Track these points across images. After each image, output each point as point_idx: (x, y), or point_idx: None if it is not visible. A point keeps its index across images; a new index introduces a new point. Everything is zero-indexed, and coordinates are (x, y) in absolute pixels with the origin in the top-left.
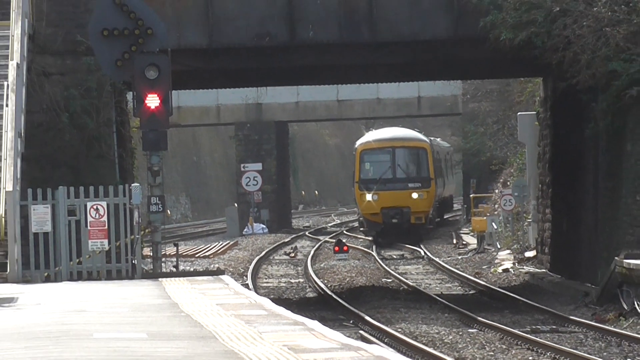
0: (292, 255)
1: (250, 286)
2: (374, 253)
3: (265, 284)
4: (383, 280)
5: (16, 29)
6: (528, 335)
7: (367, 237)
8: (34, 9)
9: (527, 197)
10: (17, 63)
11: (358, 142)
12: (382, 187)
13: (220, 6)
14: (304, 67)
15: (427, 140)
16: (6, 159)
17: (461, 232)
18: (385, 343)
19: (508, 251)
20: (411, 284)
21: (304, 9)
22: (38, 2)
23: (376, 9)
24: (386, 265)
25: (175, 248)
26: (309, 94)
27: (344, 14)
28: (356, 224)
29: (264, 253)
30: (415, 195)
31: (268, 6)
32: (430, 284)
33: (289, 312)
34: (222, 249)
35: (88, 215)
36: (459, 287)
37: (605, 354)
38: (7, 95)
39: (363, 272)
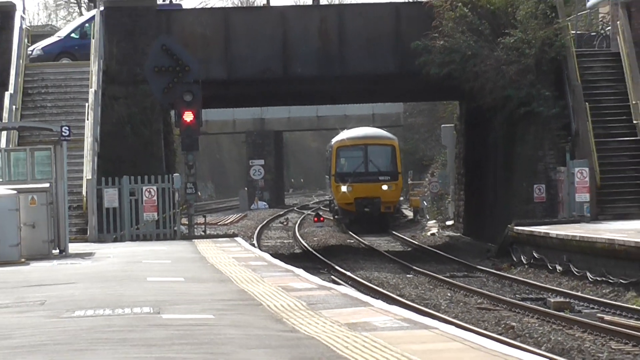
0: (285, 223)
1: (256, 245)
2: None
3: (266, 243)
4: (347, 241)
5: (94, 66)
6: (448, 279)
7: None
8: (106, 52)
9: (447, 183)
10: (94, 90)
11: (334, 140)
12: (356, 180)
13: (235, 50)
14: (294, 92)
15: (395, 139)
16: (87, 157)
17: (402, 207)
18: (349, 284)
19: (434, 221)
20: (367, 243)
21: (294, 52)
22: (109, 47)
23: (344, 52)
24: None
25: (204, 218)
26: (297, 112)
27: (322, 56)
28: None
29: (265, 222)
30: (385, 187)
31: (269, 50)
32: (380, 244)
33: (282, 263)
34: (236, 219)
35: (143, 195)
36: (400, 246)
37: (500, 291)
38: (88, 112)
39: (334, 235)
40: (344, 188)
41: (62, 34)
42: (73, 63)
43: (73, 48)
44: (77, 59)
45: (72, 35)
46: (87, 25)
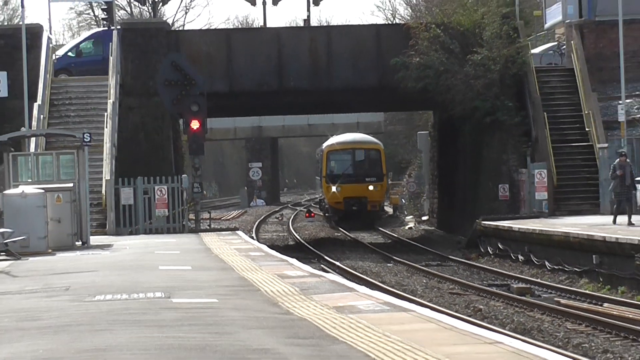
0: (280, 218)
1: (254, 237)
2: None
3: (263, 236)
4: (335, 234)
5: (112, 80)
6: (423, 267)
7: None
8: (123, 68)
9: (423, 183)
10: (112, 101)
11: (324, 145)
12: (345, 181)
13: (236, 66)
14: (288, 103)
15: (380, 144)
16: (105, 160)
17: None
18: (337, 272)
19: (411, 216)
20: (352, 236)
21: (287, 67)
22: (125, 63)
23: (332, 68)
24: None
25: (209, 214)
26: (290, 120)
27: (312, 71)
28: (318, 197)
29: (262, 217)
30: (371, 187)
31: (265, 66)
32: (364, 237)
33: (278, 253)
34: (237, 215)
35: (155, 194)
36: (382, 239)
37: (470, 278)
38: (106, 121)
39: (323, 229)
40: (333, 188)
41: (60, 53)
42: (94, 77)
43: (70, 65)
44: (73, 75)
45: (69, 54)
46: (82, 44)
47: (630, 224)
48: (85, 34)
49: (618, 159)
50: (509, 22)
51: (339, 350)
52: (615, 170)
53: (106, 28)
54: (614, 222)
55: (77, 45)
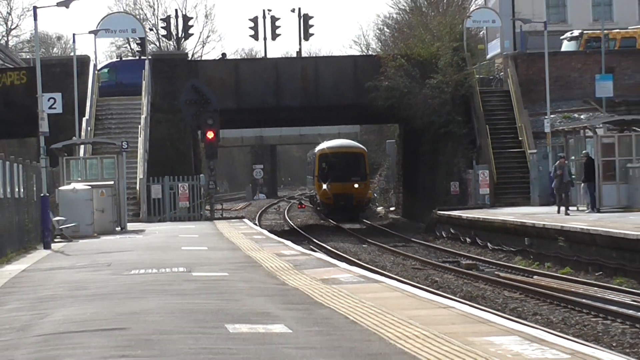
0: (277, 209)
1: (257, 224)
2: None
3: (264, 223)
4: (321, 222)
5: (144, 99)
6: (391, 248)
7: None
8: (153, 90)
9: (391, 181)
10: (144, 116)
11: (317, 149)
12: (334, 180)
13: (242, 89)
14: (284, 118)
15: (364, 149)
16: (139, 163)
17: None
18: (323, 252)
19: (382, 207)
20: (335, 223)
21: (283, 89)
22: (154, 86)
23: (319, 90)
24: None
25: (221, 205)
26: (285, 131)
27: (303, 92)
28: (307, 192)
29: (264, 208)
30: (356, 186)
31: (266, 88)
32: (345, 224)
33: (276, 236)
34: (244, 206)
35: (179, 189)
36: (359, 225)
37: (428, 256)
38: (140, 132)
39: (312, 218)
40: (324, 186)
41: None
42: (130, 97)
43: None
44: None
45: None
46: (100, 72)
47: (567, 214)
48: (103, 63)
49: (558, 161)
50: (459, 53)
51: (324, 314)
52: (556, 170)
53: (118, 59)
54: (558, 212)
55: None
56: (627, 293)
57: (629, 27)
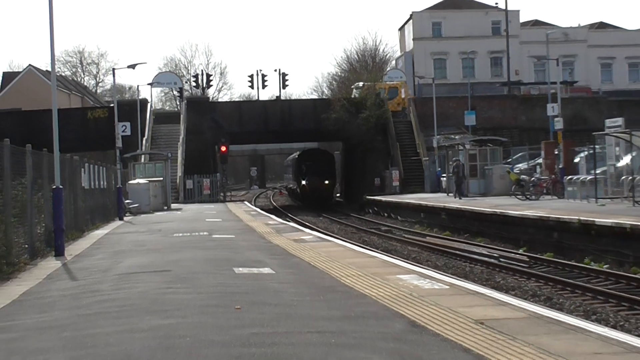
0: (266, 196)
1: (253, 205)
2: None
3: (258, 204)
4: (294, 203)
5: (182, 126)
6: (338, 219)
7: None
8: (187, 120)
9: (338, 177)
10: (182, 137)
11: (297, 154)
12: (310, 178)
13: (243, 119)
14: (270, 137)
15: (334, 154)
16: (179, 166)
17: None
18: (294, 222)
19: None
20: (301, 204)
21: (269, 120)
22: (188, 117)
23: (292, 120)
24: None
25: (230, 193)
26: (271, 146)
27: (281, 122)
28: (286, 185)
29: (257, 195)
30: (327, 182)
31: (258, 119)
32: (310, 204)
33: (265, 212)
34: (244, 194)
35: (203, 183)
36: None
37: (361, 225)
38: (179, 146)
39: (288, 201)
40: (303, 182)
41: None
42: (173, 125)
43: None
44: None
45: None
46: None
47: (460, 198)
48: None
49: (455, 163)
50: (379, 97)
51: (295, 261)
52: (454, 169)
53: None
54: (455, 197)
55: None
56: (484, 247)
57: (394, 80)
